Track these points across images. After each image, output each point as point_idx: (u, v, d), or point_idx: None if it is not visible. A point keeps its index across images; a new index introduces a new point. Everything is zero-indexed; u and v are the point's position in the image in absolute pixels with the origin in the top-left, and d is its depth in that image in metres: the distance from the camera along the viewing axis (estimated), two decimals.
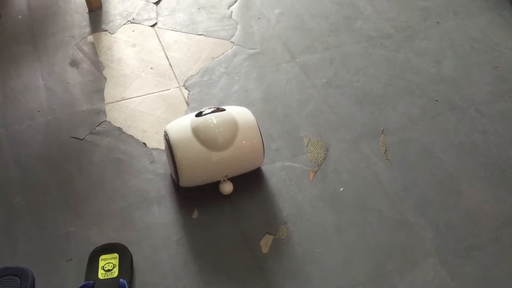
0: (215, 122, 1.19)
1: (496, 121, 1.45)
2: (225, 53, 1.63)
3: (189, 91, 1.51)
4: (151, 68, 1.57)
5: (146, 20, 1.73)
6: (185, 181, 1.21)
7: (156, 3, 1.80)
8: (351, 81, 1.55)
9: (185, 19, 1.74)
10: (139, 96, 1.49)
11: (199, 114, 1.22)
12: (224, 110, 1.23)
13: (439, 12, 1.80)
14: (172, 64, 1.59)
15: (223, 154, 1.18)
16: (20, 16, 1.72)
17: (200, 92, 1.50)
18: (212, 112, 1.21)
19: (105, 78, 1.53)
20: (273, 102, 1.48)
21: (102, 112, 1.43)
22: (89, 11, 1.74)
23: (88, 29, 1.69)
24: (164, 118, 1.43)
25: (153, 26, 1.71)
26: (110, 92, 1.49)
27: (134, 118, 1.42)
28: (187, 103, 1.47)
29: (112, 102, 1.46)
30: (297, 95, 1.50)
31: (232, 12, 1.78)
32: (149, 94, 1.50)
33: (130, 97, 1.48)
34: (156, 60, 1.60)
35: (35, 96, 1.47)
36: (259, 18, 1.76)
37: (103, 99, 1.47)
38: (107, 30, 1.69)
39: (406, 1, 1.83)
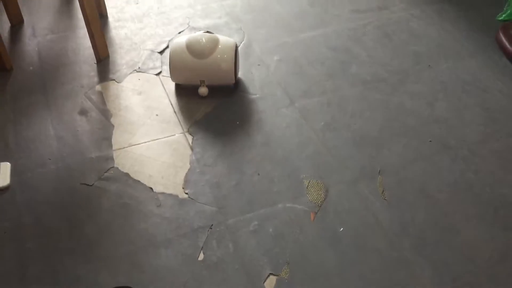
0: (202, 39, 1.65)
1: (488, 160, 1.51)
2: (227, 99, 1.70)
3: (193, 136, 1.57)
4: (157, 115, 1.64)
5: (151, 69, 1.82)
6: (175, 78, 1.71)
7: (161, 52, 1.89)
8: (348, 124, 1.62)
9: None
10: (145, 142, 1.55)
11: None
12: (212, 33, 1.68)
13: (430, 56, 1.88)
14: (176, 111, 1.66)
15: (202, 62, 1.64)
16: (31, 68, 1.80)
17: (204, 137, 1.57)
18: (203, 33, 1.68)
19: (113, 126, 1.60)
20: (273, 145, 1.55)
21: (110, 159, 1.50)
22: (97, 61, 1.83)
23: (96, 79, 1.77)
24: (169, 163, 1.49)
25: (158, 74, 1.80)
26: (117, 139, 1.56)
27: (141, 164, 1.48)
28: (191, 148, 1.54)
29: (120, 149, 1.53)
30: (297, 139, 1.57)
31: None
32: (155, 140, 1.56)
33: (137, 143, 1.55)
34: (161, 107, 1.67)
35: (46, 145, 1.53)
36: (258, 64, 1.84)
37: (111, 146, 1.54)
38: (114, 79, 1.77)
39: (398, 46, 1.92)
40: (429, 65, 1.84)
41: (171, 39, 1.95)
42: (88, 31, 1.78)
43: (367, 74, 1.81)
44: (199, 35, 1.67)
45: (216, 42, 1.65)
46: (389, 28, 2.02)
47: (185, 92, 1.72)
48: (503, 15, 2.06)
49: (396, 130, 1.60)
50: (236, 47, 1.67)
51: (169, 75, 1.79)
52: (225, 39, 1.68)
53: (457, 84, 1.77)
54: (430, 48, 1.92)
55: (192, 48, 1.64)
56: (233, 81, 1.69)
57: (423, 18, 2.08)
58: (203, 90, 1.67)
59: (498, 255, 1.27)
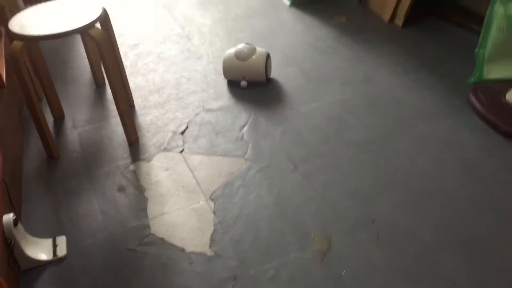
0: (244, 49, 2.47)
1: (464, 205, 1.78)
2: (241, 168, 2.01)
3: (215, 203, 1.87)
4: (182, 187, 1.95)
5: (175, 147, 2.15)
6: (225, 75, 2.53)
7: (182, 133, 2.23)
8: (344, 181, 1.91)
9: (206, 144, 2.16)
10: (175, 210, 1.85)
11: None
12: (252, 45, 2.50)
13: (411, 118, 2.20)
14: (199, 182, 1.97)
15: (243, 63, 2.45)
16: (75, 154, 2.14)
17: (224, 202, 1.87)
18: (245, 45, 2.50)
19: (147, 198, 1.91)
20: (282, 205, 1.84)
21: (147, 226, 1.79)
22: (129, 144, 2.17)
23: (129, 160, 2.10)
24: (197, 226, 1.78)
25: (181, 152, 2.13)
26: (152, 209, 1.86)
27: (173, 229, 1.78)
28: (214, 213, 1.83)
29: (154, 217, 1.83)
30: (302, 198, 1.86)
31: (243, 134, 2.19)
32: (183, 208, 1.86)
33: (168, 212, 1.85)
34: (186, 180, 1.98)
35: (93, 218, 1.84)
36: (265, 137, 2.17)
37: (147, 215, 1.84)
38: (144, 159, 2.10)
39: (383, 112, 2.25)
40: (410, 127, 2.15)
41: (190, 120, 2.29)
42: (120, 120, 2.14)
43: (358, 137, 2.12)
44: (242, 46, 2.48)
45: (253, 50, 2.46)
46: (374, 96, 2.36)
47: (205, 166, 2.04)
48: (473, 78, 2.40)
49: (385, 183, 1.89)
50: (268, 55, 2.46)
51: (190, 152, 2.12)
52: (260, 49, 2.49)
53: (435, 141, 2.07)
54: (410, 112, 2.24)
55: (237, 54, 2.45)
56: (264, 79, 2.45)
57: (404, 86, 2.42)
58: (243, 83, 2.46)
59: (475, 284, 1.52)
